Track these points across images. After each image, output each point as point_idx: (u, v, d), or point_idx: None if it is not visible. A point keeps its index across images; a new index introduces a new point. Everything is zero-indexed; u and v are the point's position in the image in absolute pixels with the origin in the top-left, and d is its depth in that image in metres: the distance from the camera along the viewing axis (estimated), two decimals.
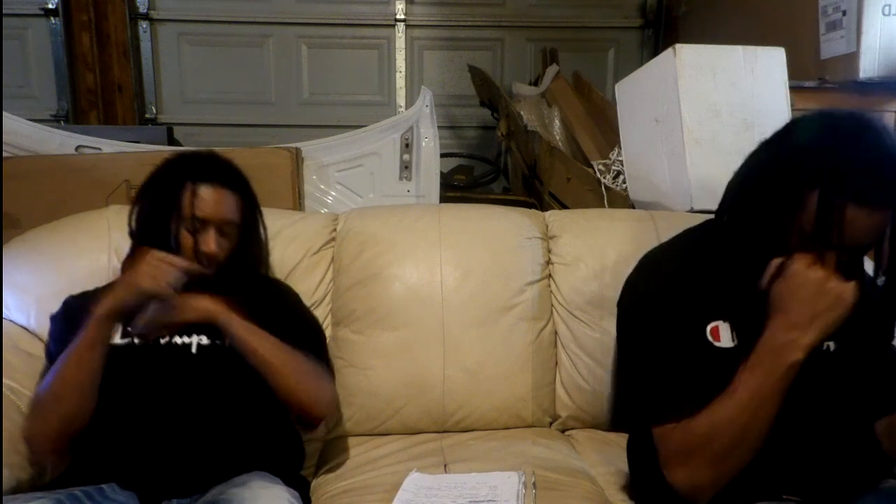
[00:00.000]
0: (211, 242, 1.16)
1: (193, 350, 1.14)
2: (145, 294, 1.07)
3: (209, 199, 1.16)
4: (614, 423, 1.05)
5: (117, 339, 1.14)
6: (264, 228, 1.31)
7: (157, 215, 1.17)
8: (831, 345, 0.98)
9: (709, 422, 0.87)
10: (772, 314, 0.87)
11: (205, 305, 1.13)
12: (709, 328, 0.95)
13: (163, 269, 1.07)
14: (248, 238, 1.25)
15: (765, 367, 0.86)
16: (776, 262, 0.88)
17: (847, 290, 0.83)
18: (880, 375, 0.99)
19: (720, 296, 0.94)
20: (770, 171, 0.90)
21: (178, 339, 1.14)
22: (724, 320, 0.95)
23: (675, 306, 0.96)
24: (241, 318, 1.13)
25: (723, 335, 0.95)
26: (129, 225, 1.22)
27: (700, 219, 1.12)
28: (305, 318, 1.31)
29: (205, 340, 1.14)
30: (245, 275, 1.25)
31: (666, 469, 0.92)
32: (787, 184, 0.86)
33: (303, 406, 1.14)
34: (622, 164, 2.04)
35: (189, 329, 1.14)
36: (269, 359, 1.12)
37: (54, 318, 1.20)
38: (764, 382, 0.85)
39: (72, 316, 1.18)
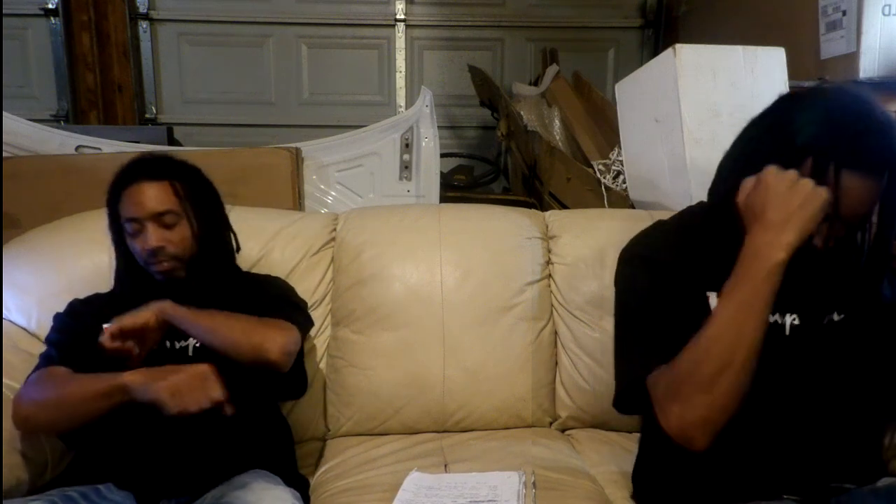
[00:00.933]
0: (150, 239, 1.13)
1: (190, 353, 1.14)
2: (158, 405, 0.96)
3: (134, 198, 1.14)
4: (616, 403, 1.03)
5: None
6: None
7: (113, 230, 1.19)
8: (835, 316, 0.97)
9: (695, 346, 0.84)
10: (748, 225, 0.86)
11: (148, 308, 1.09)
12: (710, 294, 0.95)
13: (194, 393, 0.96)
14: (208, 222, 1.21)
15: (748, 274, 0.83)
16: (749, 179, 0.87)
17: (819, 189, 0.82)
18: (887, 349, 0.97)
19: (713, 269, 0.93)
20: (764, 143, 0.90)
21: (176, 343, 1.15)
22: (717, 292, 0.94)
23: (671, 268, 0.96)
24: (183, 307, 1.10)
25: (713, 305, 0.94)
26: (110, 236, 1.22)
27: None
28: (287, 298, 1.29)
29: (200, 343, 1.14)
30: (222, 267, 1.24)
31: (659, 414, 0.88)
32: (782, 154, 0.86)
33: (261, 359, 1.10)
34: (622, 164, 2.04)
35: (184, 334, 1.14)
36: (219, 332, 1.09)
37: (58, 315, 1.20)
38: (748, 290, 0.82)
39: (77, 317, 1.19)
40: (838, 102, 0.86)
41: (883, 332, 0.96)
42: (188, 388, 0.96)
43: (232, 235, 1.29)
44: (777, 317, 0.95)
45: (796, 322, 0.96)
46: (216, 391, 0.97)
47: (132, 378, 0.99)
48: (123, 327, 1.05)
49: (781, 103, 0.93)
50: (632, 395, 0.95)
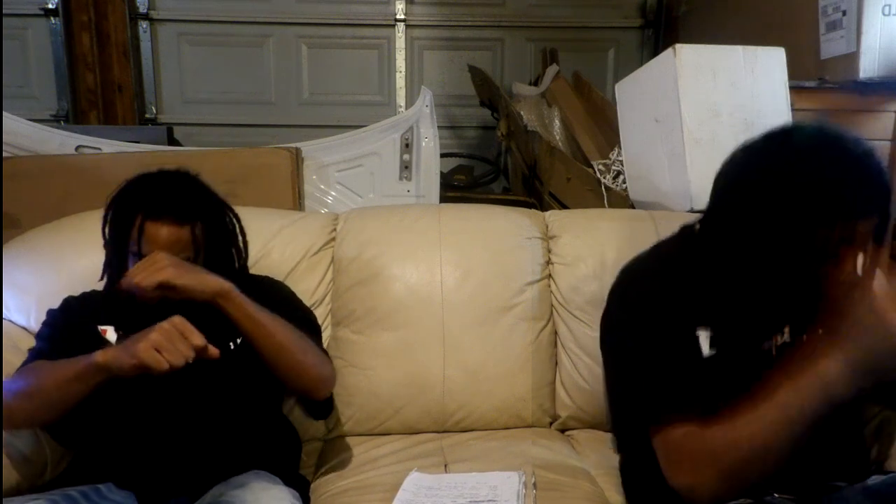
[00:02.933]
0: None
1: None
2: (145, 370, 0.92)
3: (157, 238, 1.08)
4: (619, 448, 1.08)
5: (115, 340, 1.14)
6: (242, 232, 1.25)
7: (114, 245, 1.14)
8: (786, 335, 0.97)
9: (728, 434, 0.83)
10: (829, 333, 0.81)
11: (214, 280, 1.05)
12: (700, 333, 0.95)
13: (175, 345, 0.93)
14: (215, 261, 1.15)
15: (803, 390, 0.80)
16: (848, 268, 0.82)
17: None
18: None
19: (701, 305, 0.94)
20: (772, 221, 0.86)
21: None
22: (705, 328, 0.95)
23: (665, 309, 0.95)
24: (249, 299, 1.07)
25: (702, 344, 0.94)
26: (103, 236, 1.16)
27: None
28: (301, 309, 1.29)
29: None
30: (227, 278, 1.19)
31: (670, 472, 0.89)
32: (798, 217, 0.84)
33: (310, 382, 1.11)
34: (622, 164, 2.03)
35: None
36: (277, 335, 1.07)
37: (52, 311, 1.19)
38: (799, 409, 0.80)
39: (71, 314, 1.18)
40: (832, 168, 0.83)
41: None
42: (167, 342, 0.92)
43: (243, 252, 1.26)
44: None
45: (785, 339, 0.96)
46: (197, 337, 0.94)
47: (104, 354, 0.95)
48: (178, 285, 1.01)
49: (770, 168, 0.87)
50: (634, 438, 0.95)
